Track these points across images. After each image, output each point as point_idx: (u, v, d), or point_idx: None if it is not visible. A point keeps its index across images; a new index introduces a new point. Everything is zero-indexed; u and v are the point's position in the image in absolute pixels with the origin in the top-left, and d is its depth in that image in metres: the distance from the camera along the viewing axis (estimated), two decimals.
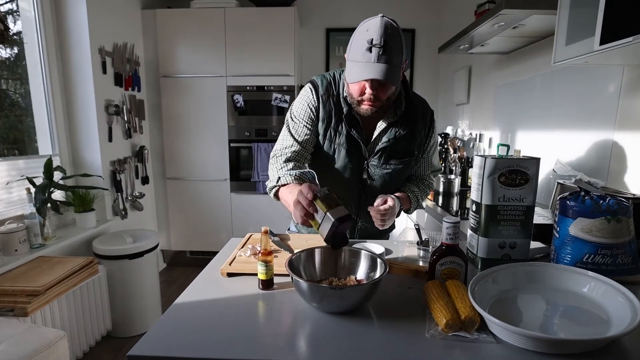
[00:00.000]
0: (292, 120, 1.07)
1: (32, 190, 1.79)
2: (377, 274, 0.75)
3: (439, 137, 2.34)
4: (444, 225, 0.78)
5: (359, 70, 0.89)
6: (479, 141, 2.20)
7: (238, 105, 2.77)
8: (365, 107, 0.96)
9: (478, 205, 0.90)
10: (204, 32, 2.70)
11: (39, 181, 1.85)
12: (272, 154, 1.10)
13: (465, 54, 2.02)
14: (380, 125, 1.05)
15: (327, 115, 1.03)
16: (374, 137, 1.06)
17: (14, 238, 1.69)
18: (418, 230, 1.11)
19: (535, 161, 0.87)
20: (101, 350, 1.88)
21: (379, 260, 0.77)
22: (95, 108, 2.16)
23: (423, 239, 1.08)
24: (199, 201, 2.94)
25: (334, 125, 1.03)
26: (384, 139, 1.04)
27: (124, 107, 2.43)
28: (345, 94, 1.02)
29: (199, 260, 3.07)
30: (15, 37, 2.02)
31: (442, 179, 1.95)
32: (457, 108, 2.68)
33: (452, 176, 1.99)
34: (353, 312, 0.69)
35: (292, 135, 1.06)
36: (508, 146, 0.89)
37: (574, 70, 1.43)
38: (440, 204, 1.78)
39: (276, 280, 0.81)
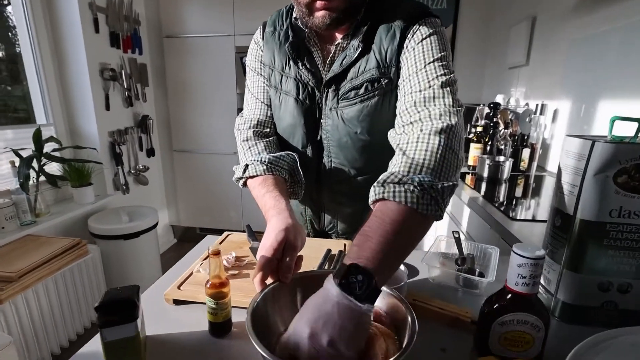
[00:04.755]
0: (247, 72, 0.83)
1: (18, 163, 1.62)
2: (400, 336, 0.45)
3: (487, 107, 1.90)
4: (515, 260, 0.46)
5: None
6: (540, 114, 1.74)
7: None
8: (320, 13, 0.63)
9: (567, 218, 0.56)
10: None
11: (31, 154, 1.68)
12: (237, 122, 0.83)
13: None
14: (338, 45, 0.70)
15: (271, 53, 0.76)
16: (327, 62, 0.71)
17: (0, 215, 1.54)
18: (458, 241, 0.78)
19: None
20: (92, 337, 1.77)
21: (402, 304, 0.46)
22: (88, 72, 1.93)
23: (464, 255, 0.75)
24: (208, 175, 2.72)
25: (279, 66, 0.75)
26: (336, 63, 0.70)
27: (123, 71, 2.19)
28: (295, 16, 0.73)
29: None
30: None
31: (487, 162, 1.56)
32: (511, 72, 2.19)
33: (501, 158, 1.59)
34: None
35: (252, 93, 0.81)
36: (639, 121, 0.52)
37: None
38: (482, 193, 1.40)
39: (236, 316, 0.53)
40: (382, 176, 0.52)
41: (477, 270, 0.69)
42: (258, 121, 0.79)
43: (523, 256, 0.44)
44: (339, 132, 0.72)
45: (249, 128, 0.79)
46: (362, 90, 0.68)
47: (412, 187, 0.48)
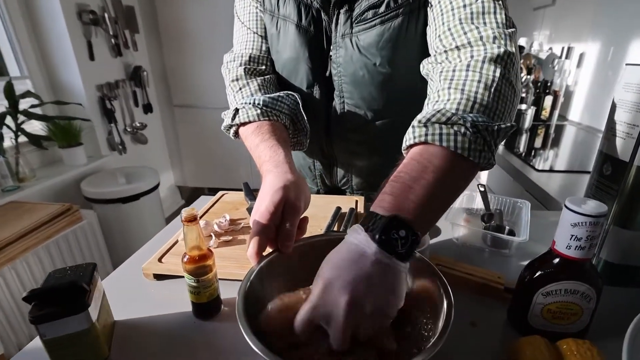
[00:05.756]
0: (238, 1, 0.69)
1: None
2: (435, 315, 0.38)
3: None
4: (568, 218, 0.37)
5: None
6: (565, 58, 1.57)
7: None
8: None
9: (621, 166, 0.47)
10: None
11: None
12: (225, 59, 0.70)
13: None
14: None
15: None
16: None
17: None
18: (484, 195, 0.69)
19: None
20: None
21: (435, 279, 0.37)
22: (63, 15, 1.72)
23: (492, 211, 0.67)
24: (214, 132, 2.57)
25: None
26: None
27: (106, 14, 1.97)
28: None
29: None
30: None
31: None
32: (535, 14, 1.97)
33: (523, 106, 1.46)
34: None
35: (242, 21, 0.67)
36: None
37: None
38: (503, 144, 1.30)
39: (229, 291, 0.46)
40: (424, 114, 0.40)
41: (507, 227, 0.62)
42: (250, 57, 0.66)
43: (580, 213, 0.36)
44: (353, 64, 0.58)
45: (240, 65, 0.65)
46: (382, 9, 0.54)
47: (463, 129, 0.38)
